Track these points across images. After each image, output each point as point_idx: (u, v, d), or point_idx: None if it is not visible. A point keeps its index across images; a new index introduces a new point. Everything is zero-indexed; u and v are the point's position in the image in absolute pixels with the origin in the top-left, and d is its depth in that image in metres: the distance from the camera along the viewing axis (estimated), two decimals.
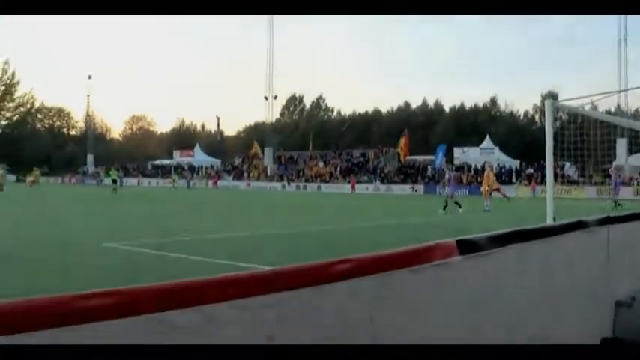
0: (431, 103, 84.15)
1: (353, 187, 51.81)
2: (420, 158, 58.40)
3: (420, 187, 49.76)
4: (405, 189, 50.63)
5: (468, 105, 79.78)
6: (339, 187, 54.34)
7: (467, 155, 55.70)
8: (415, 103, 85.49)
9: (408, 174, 54.69)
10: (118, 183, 44.30)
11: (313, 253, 10.24)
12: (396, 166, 57.10)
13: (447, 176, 24.02)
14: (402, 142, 58.36)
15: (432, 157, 57.08)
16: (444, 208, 21.42)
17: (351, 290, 1.62)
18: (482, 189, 25.17)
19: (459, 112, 78.97)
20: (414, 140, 63.47)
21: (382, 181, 54.42)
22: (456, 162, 55.03)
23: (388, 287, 1.76)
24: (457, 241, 2.13)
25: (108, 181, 49.32)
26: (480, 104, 79.21)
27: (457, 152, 57.03)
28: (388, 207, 28.12)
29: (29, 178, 50.90)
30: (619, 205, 25.49)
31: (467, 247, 2.16)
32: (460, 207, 21.85)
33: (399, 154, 58.51)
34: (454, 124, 74.30)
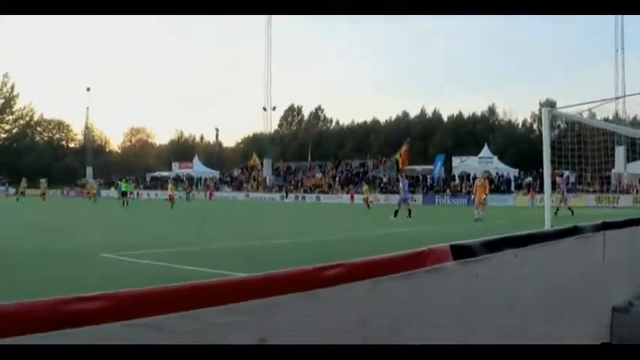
0: (429, 112, 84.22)
1: (352, 198, 51.76)
2: (418, 168, 58.25)
3: (419, 197, 49.66)
4: None
5: (466, 114, 79.91)
6: (338, 197, 54.25)
7: (465, 164, 55.64)
8: (413, 113, 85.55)
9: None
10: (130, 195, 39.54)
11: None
12: (394, 176, 57.02)
13: (400, 184, 24.84)
14: (403, 149, 57.71)
15: (430, 167, 57.02)
16: (395, 215, 22.72)
17: (343, 295, 1.63)
18: (476, 197, 24.05)
19: (458, 122, 78.95)
20: (413, 150, 63.39)
21: (381, 191, 54.36)
22: (455, 171, 55.00)
23: (380, 292, 1.77)
24: (451, 246, 2.13)
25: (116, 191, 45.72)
26: (478, 113, 79.36)
27: (456, 161, 56.96)
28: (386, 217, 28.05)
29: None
30: (572, 212, 25.88)
31: (461, 252, 2.16)
32: (410, 215, 22.73)
33: (397, 161, 57.95)
34: (452, 134, 74.31)
